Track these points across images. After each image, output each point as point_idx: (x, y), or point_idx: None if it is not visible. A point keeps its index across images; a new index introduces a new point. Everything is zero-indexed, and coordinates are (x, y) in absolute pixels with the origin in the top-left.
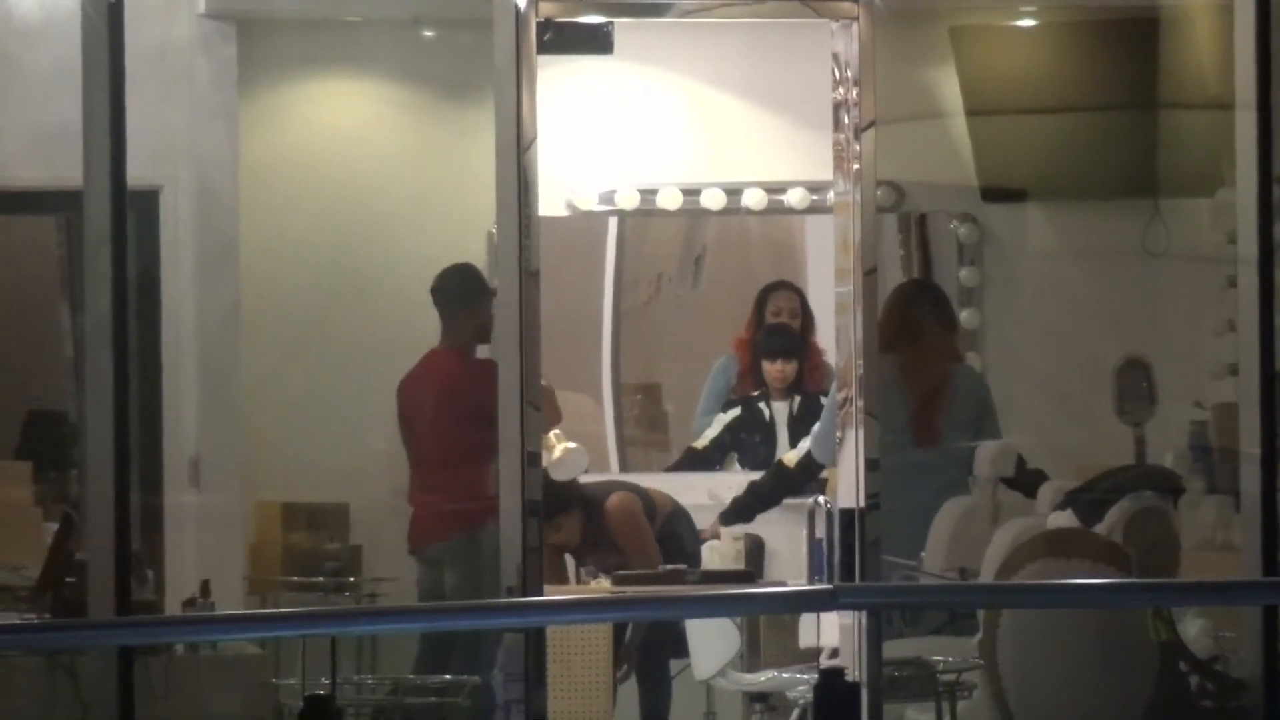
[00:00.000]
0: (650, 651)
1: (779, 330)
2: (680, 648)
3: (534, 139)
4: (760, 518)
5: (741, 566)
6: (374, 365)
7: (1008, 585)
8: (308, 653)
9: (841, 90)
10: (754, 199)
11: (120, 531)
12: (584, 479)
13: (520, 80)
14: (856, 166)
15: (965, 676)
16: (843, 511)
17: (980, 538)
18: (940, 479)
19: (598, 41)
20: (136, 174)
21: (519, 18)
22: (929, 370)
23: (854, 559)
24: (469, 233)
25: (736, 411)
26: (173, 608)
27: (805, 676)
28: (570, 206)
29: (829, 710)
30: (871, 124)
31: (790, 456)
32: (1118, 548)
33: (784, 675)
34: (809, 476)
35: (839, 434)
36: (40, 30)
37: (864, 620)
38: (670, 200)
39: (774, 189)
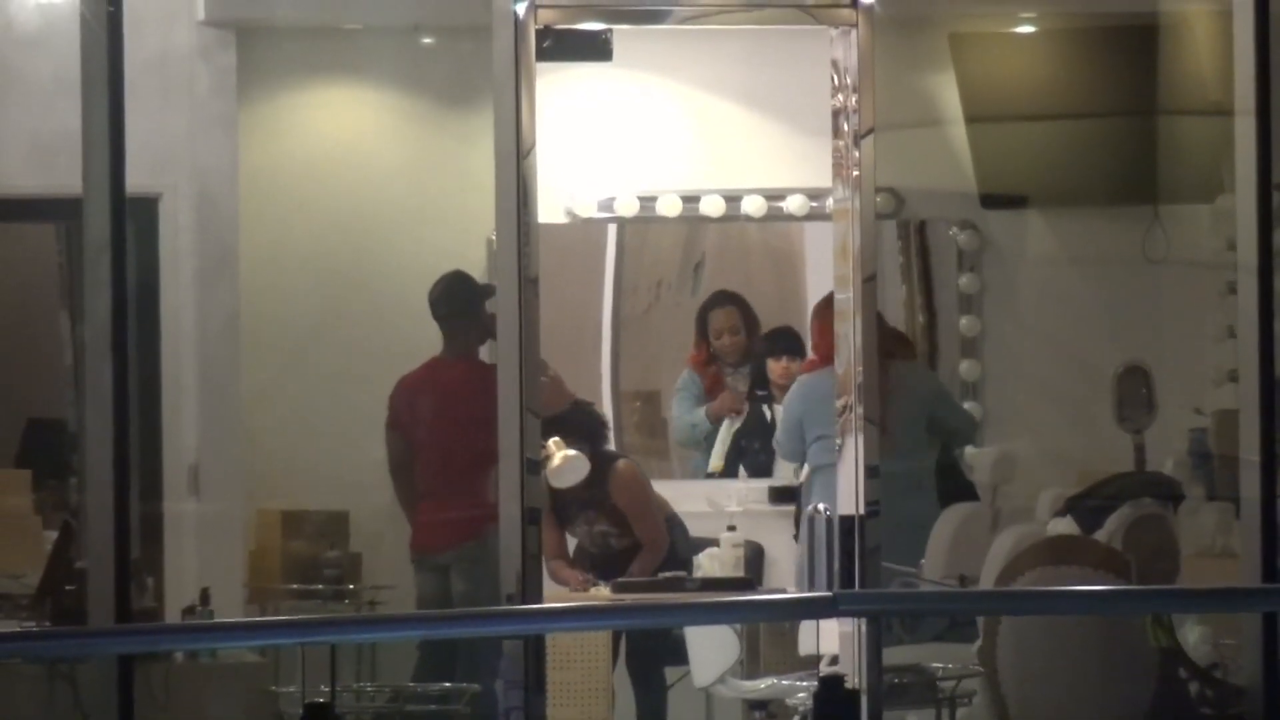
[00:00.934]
0: (643, 657)
1: (782, 330)
2: (680, 655)
3: (533, 146)
4: (760, 525)
5: (741, 573)
6: (374, 373)
7: (1007, 592)
8: (307, 660)
9: (841, 97)
10: (753, 206)
11: (120, 539)
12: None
13: (519, 87)
14: (856, 173)
15: (965, 683)
16: (842, 519)
17: (980, 545)
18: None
19: (597, 49)
20: (136, 182)
21: (518, 25)
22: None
23: (854, 566)
24: (468, 240)
25: (742, 421)
26: (173, 616)
27: (805, 684)
28: (570, 213)
29: (829, 717)
30: (871, 131)
31: None
32: (1118, 554)
33: (784, 682)
34: None
35: (838, 440)
36: (40, 38)
37: (864, 627)
38: (669, 207)
39: (773, 196)
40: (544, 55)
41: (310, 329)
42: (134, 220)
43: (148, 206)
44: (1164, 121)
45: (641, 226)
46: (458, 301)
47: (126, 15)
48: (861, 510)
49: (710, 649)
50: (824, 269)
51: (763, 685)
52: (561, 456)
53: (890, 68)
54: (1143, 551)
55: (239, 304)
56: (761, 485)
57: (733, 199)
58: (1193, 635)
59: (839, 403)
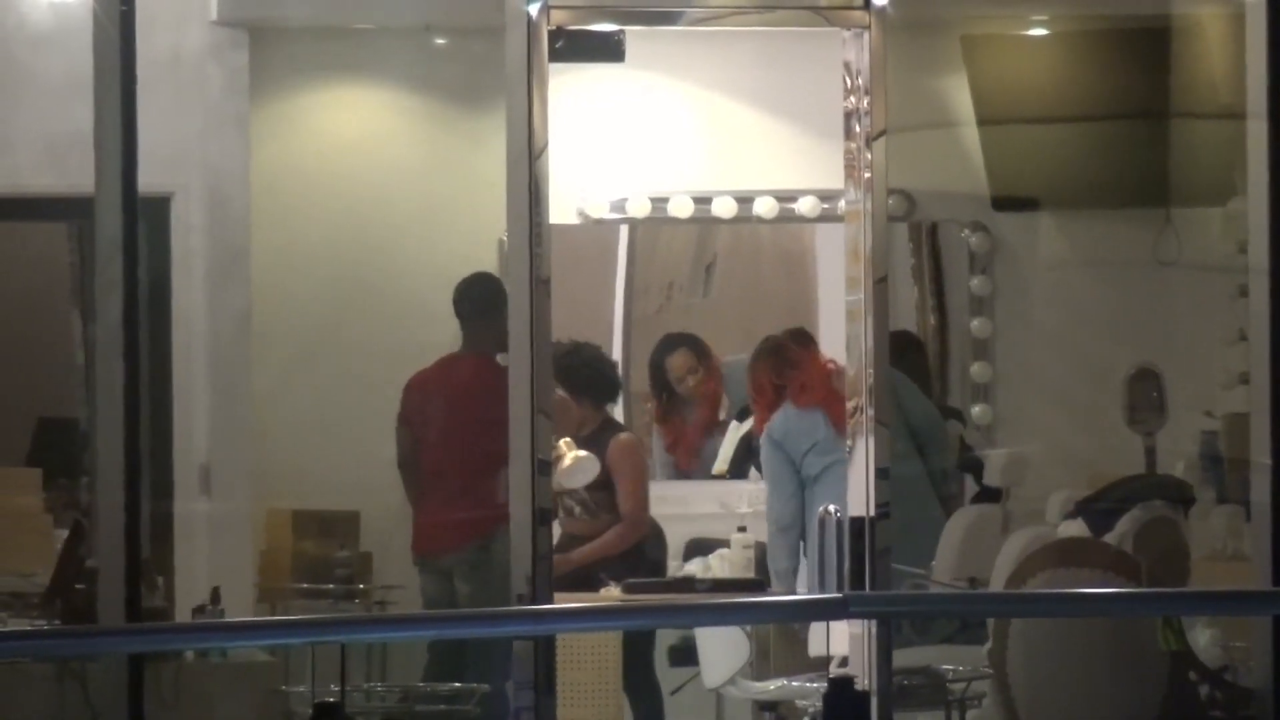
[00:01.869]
0: (635, 664)
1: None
2: (690, 656)
3: (545, 147)
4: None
5: (752, 575)
6: (385, 373)
7: (1018, 594)
8: (317, 660)
9: (853, 99)
10: (765, 207)
11: (130, 539)
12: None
13: (531, 88)
14: (867, 175)
15: (975, 685)
16: (852, 520)
17: (990, 547)
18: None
19: (609, 49)
20: (148, 181)
21: (530, 25)
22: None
23: (864, 568)
24: (480, 241)
25: (750, 421)
26: (183, 615)
27: (815, 685)
28: (581, 214)
29: (839, 719)
30: (883, 133)
31: None
32: (1128, 557)
33: (794, 684)
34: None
35: (849, 443)
36: (52, 38)
37: (874, 629)
38: (681, 208)
39: (785, 197)
40: (556, 56)
41: (322, 329)
42: (146, 220)
43: (159, 206)
44: (1176, 124)
45: (653, 227)
46: (481, 301)
47: (139, 15)
48: (872, 512)
49: (720, 650)
50: (835, 271)
51: (773, 686)
52: (572, 457)
53: (902, 70)
54: (1153, 554)
55: (250, 303)
56: None
57: (744, 200)
58: (1203, 638)
59: (849, 405)
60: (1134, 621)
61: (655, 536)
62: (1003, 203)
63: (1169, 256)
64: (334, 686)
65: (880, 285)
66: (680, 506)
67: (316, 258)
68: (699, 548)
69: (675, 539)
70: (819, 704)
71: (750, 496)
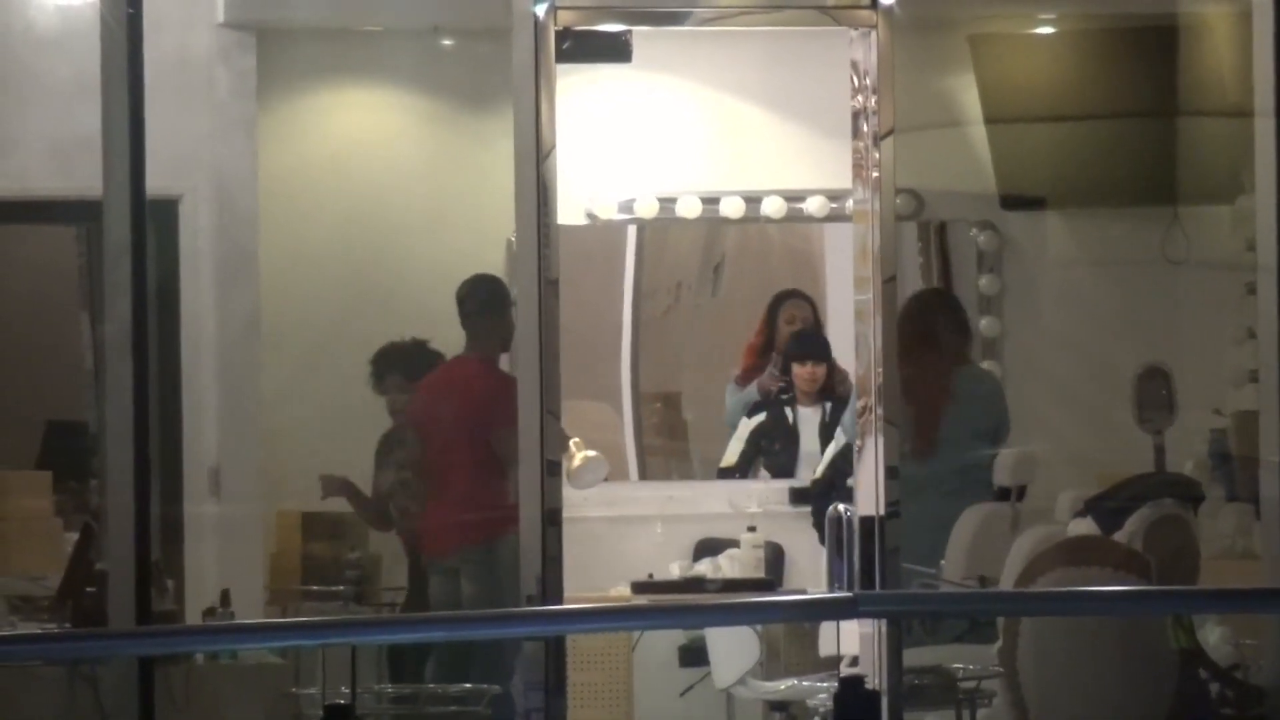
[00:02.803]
0: None
1: (807, 333)
2: (700, 656)
3: (553, 147)
4: (781, 526)
5: (762, 574)
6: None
7: (1027, 593)
8: (328, 662)
9: (860, 98)
10: (773, 207)
11: (140, 541)
12: None
13: (539, 89)
14: (875, 174)
15: (985, 684)
16: (862, 519)
17: (1000, 545)
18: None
19: (616, 50)
20: (156, 184)
21: (538, 26)
22: (941, 378)
23: (874, 567)
24: (488, 242)
25: (761, 417)
26: (193, 617)
27: (825, 685)
28: (589, 215)
29: (849, 718)
30: (890, 132)
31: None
32: (1138, 555)
33: (804, 683)
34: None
35: (858, 443)
36: (59, 41)
37: (884, 628)
38: (689, 208)
39: (793, 197)
40: (563, 57)
41: (331, 330)
42: (154, 222)
43: (168, 208)
44: (1184, 122)
45: (661, 228)
46: (484, 300)
47: (146, 17)
48: (882, 511)
49: (731, 650)
50: (844, 270)
51: (783, 686)
52: (582, 457)
53: (910, 69)
54: (1163, 552)
55: (259, 305)
56: (782, 486)
57: (752, 200)
58: (1213, 636)
59: (859, 404)
60: (1144, 620)
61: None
62: (1011, 202)
63: (1177, 255)
64: (344, 688)
65: (889, 285)
66: (690, 506)
67: (325, 259)
68: (708, 548)
69: (685, 539)
70: (829, 703)
71: (760, 496)
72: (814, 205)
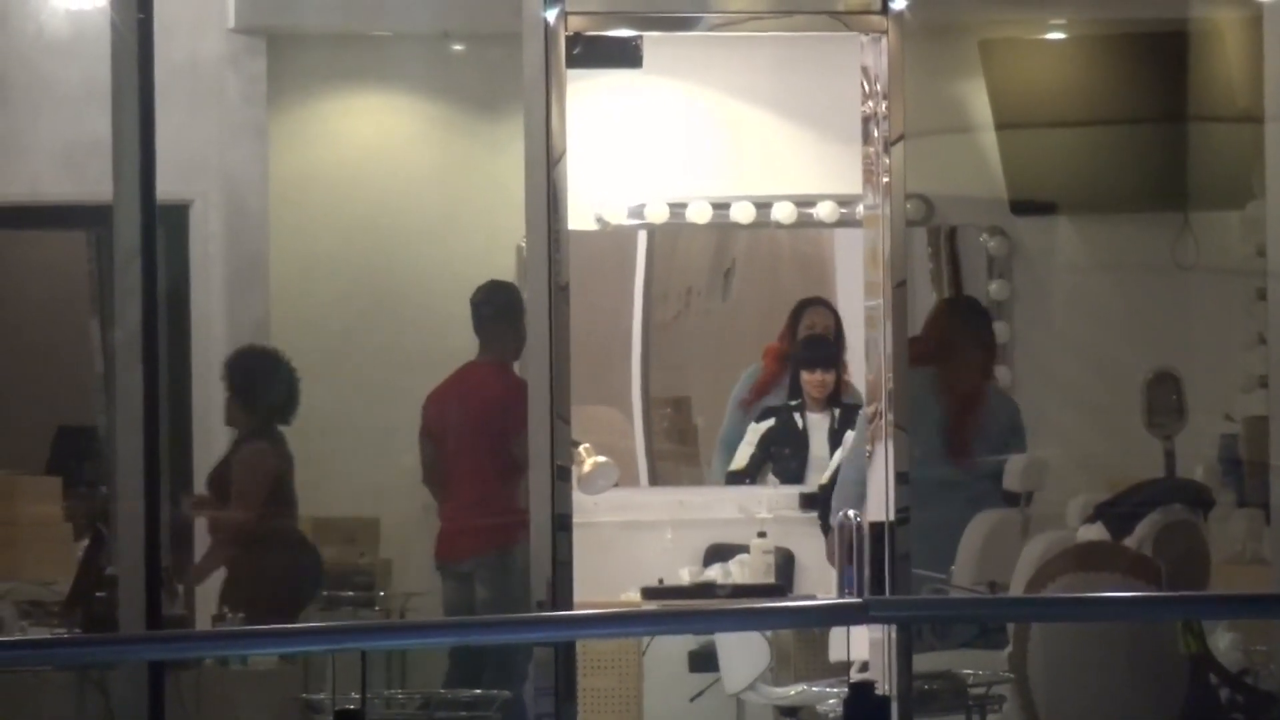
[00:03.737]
0: None
1: (817, 340)
2: (710, 662)
3: (563, 153)
4: (791, 532)
5: (772, 580)
6: (403, 380)
7: (1038, 599)
8: (338, 667)
9: (871, 104)
10: (783, 212)
11: (150, 546)
12: None
13: (549, 94)
14: (886, 180)
15: (995, 689)
16: (873, 525)
17: (1010, 551)
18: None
19: (627, 56)
20: (166, 189)
21: (548, 32)
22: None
23: (884, 572)
24: (498, 247)
25: (770, 422)
26: (203, 622)
27: (835, 690)
28: (600, 220)
29: None
30: (901, 137)
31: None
32: (1148, 561)
33: (814, 689)
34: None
35: (868, 448)
36: (70, 46)
37: (894, 634)
38: (700, 214)
39: (803, 202)
40: (574, 62)
41: (340, 336)
42: (164, 227)
43: (178, 214)
44: (1194, 128)
45: (672, 233)
46: (501, 306)
47: (157, 22)
48: (892, 517)
49: (741, 656)
50: (854, 275)
51: (793, 692)
52: (592, 463)
53: (920, 74)
54: (1173, 558)
55: (269, 310)
56: (792, 492)
57: (763, 205)
58: (1223, 641)
59: (869, 410)
60: (1154, 625)
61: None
62: (1021, 207)
63: (1187, 260)
64: (354, 694)
65: (899, 290)
66: (700, 512)
67: (335, 265)
68: (719, 553)
69: (695, 544)
70: (840, 709)
71: (770, 502)
72: (824, 210)
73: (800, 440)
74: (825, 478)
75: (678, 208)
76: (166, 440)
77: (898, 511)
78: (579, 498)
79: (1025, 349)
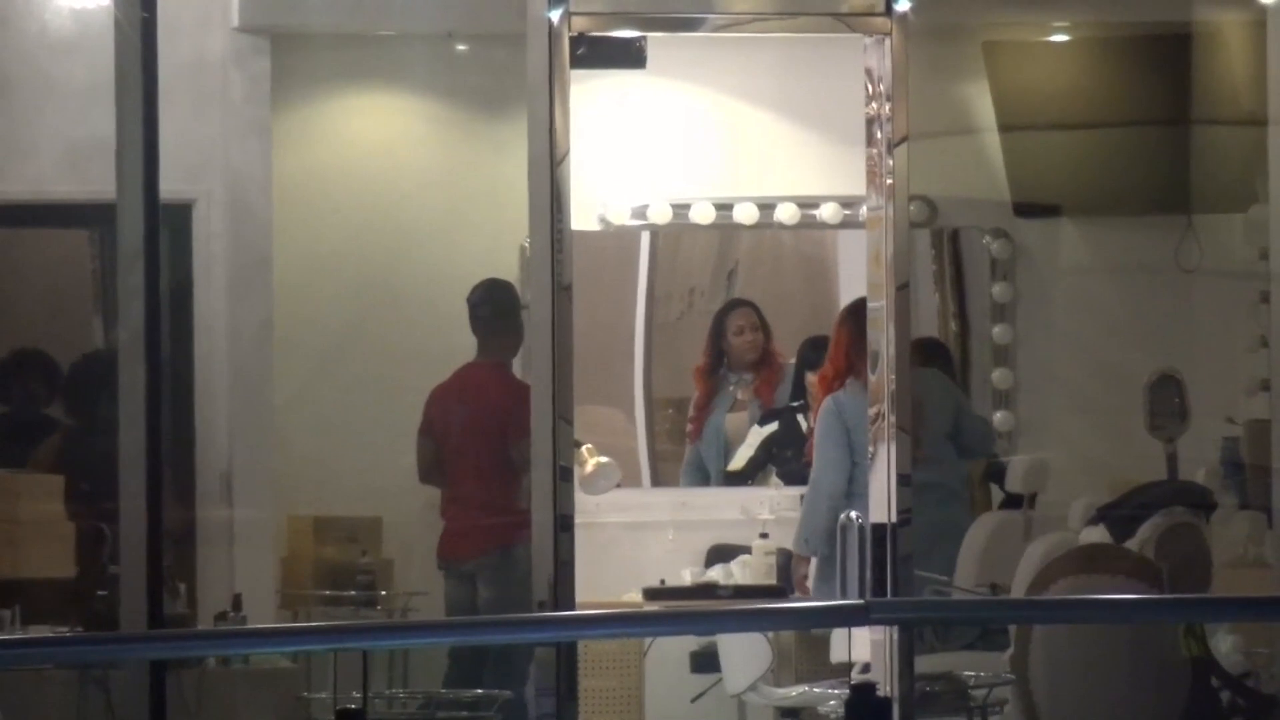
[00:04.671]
0: None
1: (821, 340)
2: (712, 663)
3: (567, 153)
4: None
5: (773, 581)
6: (407, 379)
7: (1039, 600)
8: (339, 667)
9: (874, 105)
10: (786, 213)
11: (153, 545)
12: None
13: (553, 95)
14: (889, 181)
15: (997, 691)
16: (874, 526)
17: (1012, 553)
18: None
19: (631, 56)
20: (170, 188)
21: (552, 32)
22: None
23: (885, 574)
24: (502, 247)
25: (774, 426)
26: (205, 621)
27: (837, 692)
28: (603, 221)
29: None
30: (904, 139)
31: None
32: (1150, 563)
33: (815, 690)
34: None
35: (871, 449)
36: (74, 45)
37: (895, 635)
38: (703, 215)
39: (807, 204)
40: (578, 63)
41: (343, 335)
42: (168, 226)
43: (181, 212)
44: (1197, 131)
45: (675, 233)
46: (500, 305)
47: (161, 21)
48: (893, 518)
49: (742, 657)
50: (857, 277)
51: (794, 693)
52: (594, 463)
53: (924, 76)
54: (1175, 560)
55: (272, 310)
56: (794, 493)
57: (766, 206)
58: (1225, 644)
59: (871, 411)
60: (1156, 628)
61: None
62: (1024, 209)
63: (1190, 263)
64: (356, 693)
65: (902, 292)
66: (702, 513)
67: (338, 264)
68: (720, 554)
69: (697, 545)
70: (841, 710)
71: (772, 503)
72: (828, 212)
73: (803, 441)
74: None
75: (681, 208)
76: (169, 439)
77: (899, 513)
78: (581, 498)
79: (1028, 351)
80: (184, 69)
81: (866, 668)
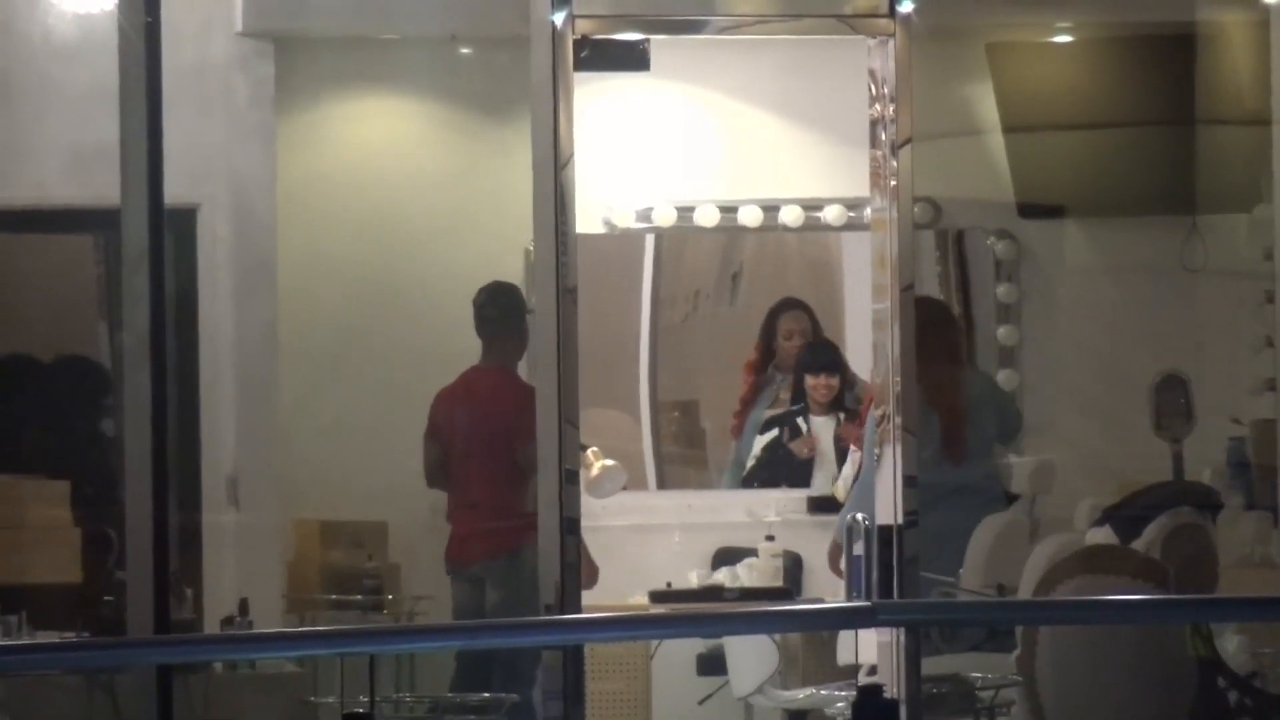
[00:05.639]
0: None
1: (821, 344)
2: (718, 665)
3: (571, 156)
4: (799, 535)
5: (780, 583)
6: (412, 382)
7: (1046, 601)
8: (346, 671)
9: (878, 107)
10: (791, 216)
11: (159, 550)
12: None
13: (557, 97)
14: (893, 183)
15: (1003, 693)
16: (881, 528)
17: (1018, 554)
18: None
19: (634, 59)
20: (174, 193)
21: (556, 35)
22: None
23: (892, 575)
24: (506, 250)
25: (774, 434)
26: (211, 626)
27: (843, 694)
28: (607, 224)
29: None
30: (908, 140)
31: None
32: (1156, 564)
33: (822, 692)
34: None
35: (876, 451)
36: (78, 49)
37: (902, 637)
38: (707, 217)
39: (811, 206)
40: (581, 65)
41: (349, 339)
42: (172, 231)
43: (186, 217)
44: (1202, 131)
45: (679, 236)
46: (506, 308)
47: (164, 26)
48: (900, 520)
49: (749, 659)
50: (862, 279)
51: (801, 695)
52: (600, 466)
53: (928, 78)
54: (1181, 561)
55: (277, 314)
56: (800, 495)
57: (770, 209)
58: (1232, 644)
59: (876, 413)
60: (1162, 628)
61: None
62: (1029, 210)
63: (1195, 263)
64: (363, 697)
65: (906, 293)
66: (709, 515)
67: (343, 268)
68: (727, 557)
69: (703, 548)
70: (848, 712)
71: (778, 505)
72: (832, 214)
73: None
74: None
75: (685, 211)
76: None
77: (906, 514)
78: (587, 501)
79: (1033, 352)
80: (188, 74)
81: (873, 670)
